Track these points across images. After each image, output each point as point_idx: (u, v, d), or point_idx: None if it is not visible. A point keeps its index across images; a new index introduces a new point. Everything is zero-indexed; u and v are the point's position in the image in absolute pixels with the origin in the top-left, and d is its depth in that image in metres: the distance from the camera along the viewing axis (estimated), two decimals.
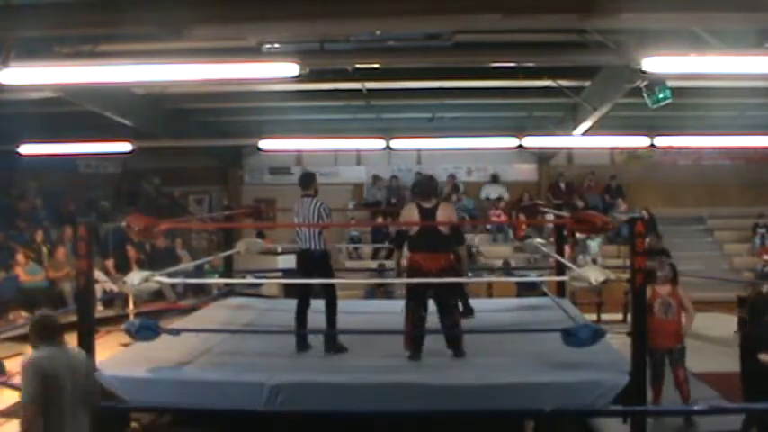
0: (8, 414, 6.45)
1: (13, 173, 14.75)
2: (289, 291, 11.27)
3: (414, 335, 6.20)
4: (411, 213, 6.45)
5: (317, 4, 6.65)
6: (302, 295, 6.63)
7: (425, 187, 6.59)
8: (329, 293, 6.57)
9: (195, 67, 7.68)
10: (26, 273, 11.77)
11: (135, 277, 5.91)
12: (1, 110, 11.06)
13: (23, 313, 10.99)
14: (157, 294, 11.17)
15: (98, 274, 10.45)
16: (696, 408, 5.92)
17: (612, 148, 16.85)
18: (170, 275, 6.85)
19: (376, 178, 16.91)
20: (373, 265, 14.93)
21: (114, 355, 6.53)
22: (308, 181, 6.82)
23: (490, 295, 11.55)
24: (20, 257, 11.88)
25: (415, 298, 6.31)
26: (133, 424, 6.12)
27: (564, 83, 10.95)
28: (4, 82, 7.49)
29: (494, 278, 12.37)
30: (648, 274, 6.11)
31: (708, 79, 10.00)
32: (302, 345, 6.47)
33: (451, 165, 17.05)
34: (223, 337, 6.86)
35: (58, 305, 10.90)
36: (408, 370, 5.87)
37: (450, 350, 6.21)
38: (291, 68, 7.46)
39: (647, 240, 10.61)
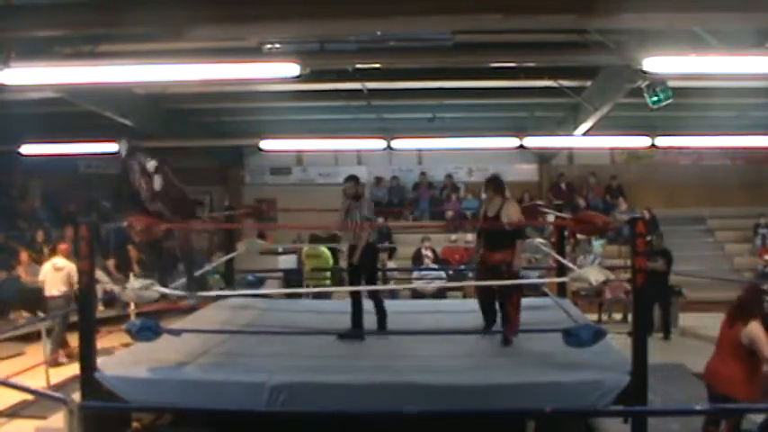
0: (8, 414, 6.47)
1: (14, 173, 14.77)
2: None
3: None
4: (519, 211, 6.86)
5: (317, 4, 6.64)
6: None
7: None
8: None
9: (195, 67, 7.69)
10: (28, 273, 11.78)
11: (135, 284, 5.92)
12: (2, 110, 11.06)
13: (24, 313, 11.00)
14: None
15: (99, 275, 10.44)
16: (696, 408, 5.91)
17: (613, 149, 16.86)
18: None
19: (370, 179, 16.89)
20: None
21: (115, 356, 6.53)
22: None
23: None
24: (23, 257, 11.89)
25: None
26: (134, 424, 6.13)
27: (564, 83, 10.95)
28: (4, 82, 7.50)
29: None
30: (745, 309, 5.46)
31: (708, 79, 9.99)
32: None
33: (452, 165, 17.05)
34: (223, 338, 6.86)
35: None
36: (408, 370, 5.87)
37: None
38: (292, 68, 7.48)
39: (654, 239, 10.60)
